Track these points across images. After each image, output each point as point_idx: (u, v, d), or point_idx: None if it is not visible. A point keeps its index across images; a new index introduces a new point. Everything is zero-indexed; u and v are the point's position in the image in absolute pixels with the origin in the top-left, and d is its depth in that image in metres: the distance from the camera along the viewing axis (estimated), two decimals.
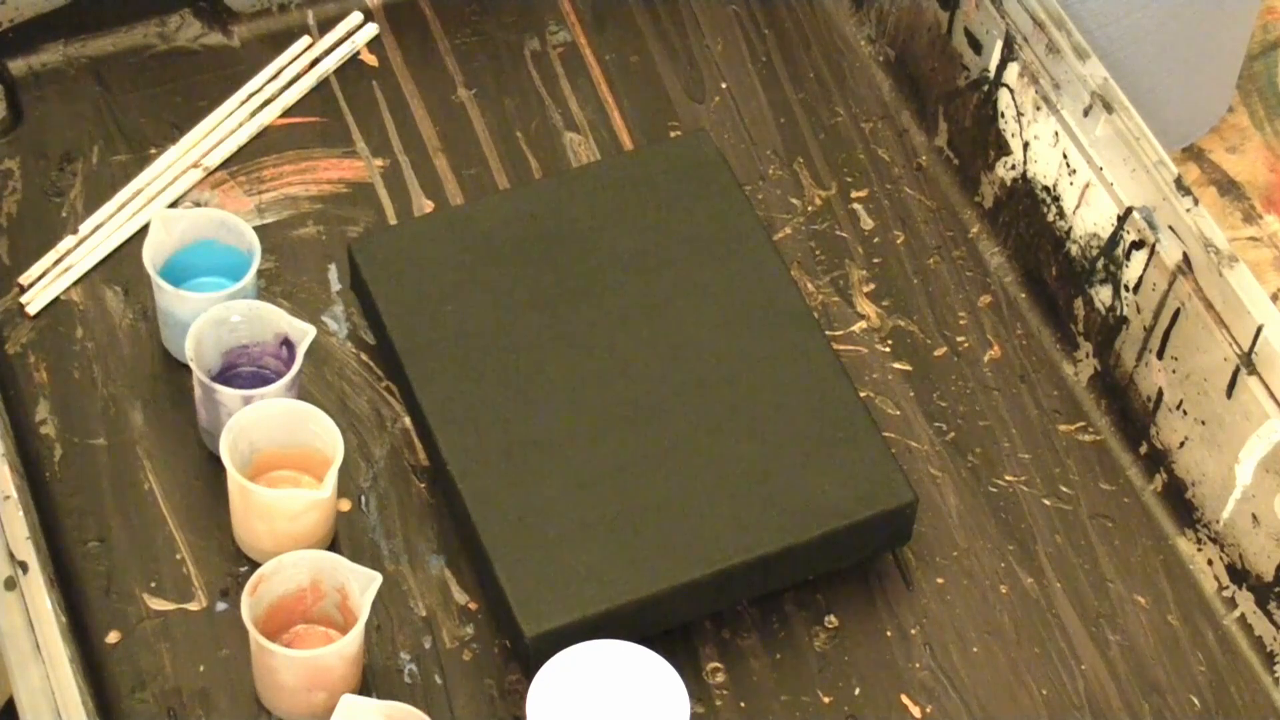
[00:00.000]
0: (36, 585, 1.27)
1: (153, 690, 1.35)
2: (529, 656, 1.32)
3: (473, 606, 1.40)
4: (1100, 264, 1.51)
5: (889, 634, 1.42)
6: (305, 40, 1.68)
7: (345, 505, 1.44)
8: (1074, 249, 1.54)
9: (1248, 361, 1.40)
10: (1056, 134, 1.53)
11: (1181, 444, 1.47)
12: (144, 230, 1.55)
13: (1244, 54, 1.97)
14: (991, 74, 1.59)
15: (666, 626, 1.37)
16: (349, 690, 1.33)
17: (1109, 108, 1.49)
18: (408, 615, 1.40)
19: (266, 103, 1.64)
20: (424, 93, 1.66)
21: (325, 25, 1.69)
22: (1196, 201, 1.44)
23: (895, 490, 1.39)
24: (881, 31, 1.72)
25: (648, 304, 1.46)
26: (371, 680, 1.36)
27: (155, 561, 1.41)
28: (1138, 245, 1.47)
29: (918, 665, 1.40)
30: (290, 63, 1.66)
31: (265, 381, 1.45)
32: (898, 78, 1.70)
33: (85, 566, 1.40)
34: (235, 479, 1.35)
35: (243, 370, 1.46)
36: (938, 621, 1.42)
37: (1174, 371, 1.46)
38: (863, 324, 1.56)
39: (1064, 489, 1.49)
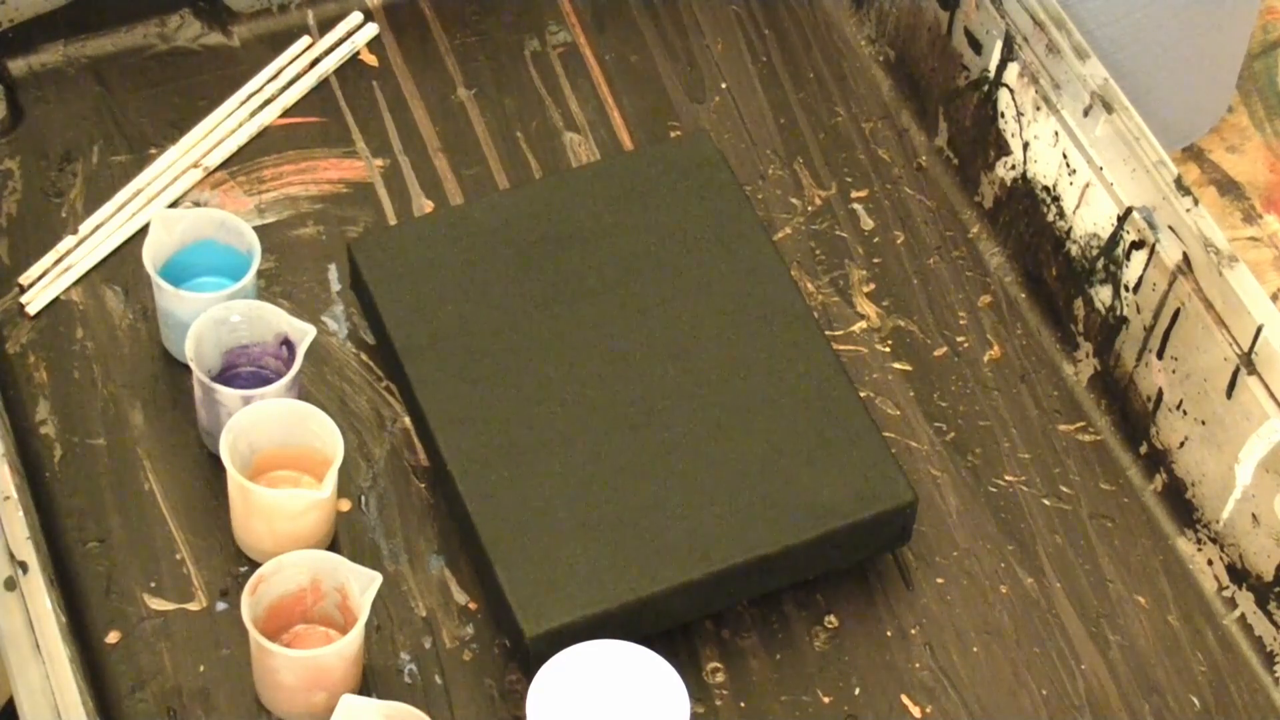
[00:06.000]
0: (36, 585, 1.27)
1: (152, 690, 1.35)
2: (529, 656, 1.32)
3: (473, 606, 1.40)
4: (1100, 264, 1.51)
5: (889, 634, 1.42)
6: (305, 40, 1.68)
7: (345, 505, 1.44)
8: (1074, 249, 1.54)
9: (1248, 361, 1.40)
10: (1056, 134, 1.53)
11: (1181, 444, 1.47)
12: (144, 230, 1.55)
13: (1244, 54, 1.97)
14: (991, 74, 1.59)
15: (666, 626, 1.37)
16: (349, 690, 1.33)
17: (1109, 108, 1.49)
18: (408, 615, 1.40)
19: (266, 103, 1.64)
20: (424, 93, 1.66)
21: (325, 25, 1.69)
22: (1196, 201, 1.44)
23: (895, 490, 1.39)
24: (881, 31, 1.72)
25: (648, 304, 1.46)
26: (371, 680, 1.36)
27: (155, 561, 1.41)
28: (1138, 245, 1.47)
29: (918, 665, 1.40)
30: (290, 63, 1.66)
31: (265, 381, 1.45)
32: (898, 78, 1.70)
33: (85, 566, 1.40)
34: (235, 479, 1.35)
35: (243, 370, 1.46)
36: (937, 621, 1.42)
37: (1174, 371, 1.46)
38: (862, 324, 1.56)
39: (1064, 489, 1.49)
